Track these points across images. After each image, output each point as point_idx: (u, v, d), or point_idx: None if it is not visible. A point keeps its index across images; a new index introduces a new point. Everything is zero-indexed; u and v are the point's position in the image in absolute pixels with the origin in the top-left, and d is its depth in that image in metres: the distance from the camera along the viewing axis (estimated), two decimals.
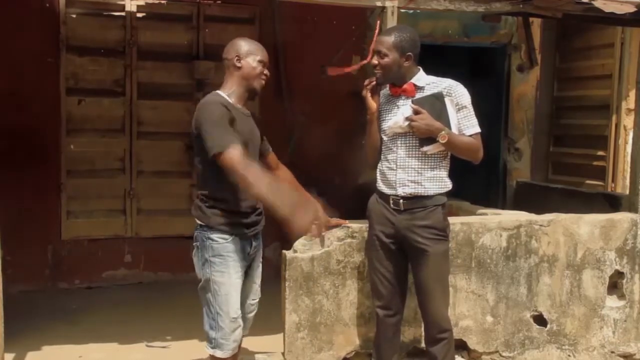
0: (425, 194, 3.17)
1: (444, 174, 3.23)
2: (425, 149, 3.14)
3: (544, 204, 4.99)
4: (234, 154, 2.73)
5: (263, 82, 3.07)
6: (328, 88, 5.89)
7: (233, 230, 2.96)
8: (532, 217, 4.01)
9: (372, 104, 3.26)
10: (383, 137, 3.28)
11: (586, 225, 4.00)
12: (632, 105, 5.39)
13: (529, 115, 6.60)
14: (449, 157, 3.25)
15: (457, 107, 3.17)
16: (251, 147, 3.02)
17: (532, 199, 5.64)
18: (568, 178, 6.23)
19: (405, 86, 3.20)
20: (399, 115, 3.18)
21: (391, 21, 3.68)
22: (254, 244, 3.08)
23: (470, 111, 3.20)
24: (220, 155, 2.76)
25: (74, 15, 5.41)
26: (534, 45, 6.45)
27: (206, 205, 2.97)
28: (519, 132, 6.59)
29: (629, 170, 4.99)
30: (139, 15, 5.56)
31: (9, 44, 5.13)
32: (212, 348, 2.99)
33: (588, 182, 6.03)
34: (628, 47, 5.78)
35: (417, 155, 3.17)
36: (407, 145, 3.18)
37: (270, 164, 3.31)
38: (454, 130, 3.16)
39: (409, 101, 3.18)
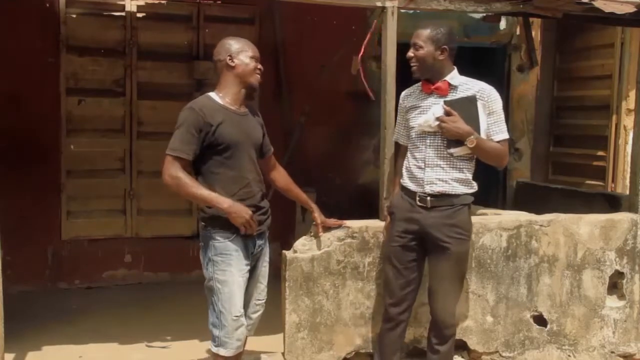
0: (453, 193, 3.19)
1: (469, 175, 3.25)
2: (451, 151, 3.15)
3: (544, 204, 4.99)
4: (170, 165, 2.89)
5: (259, 76, 3.09)
6: (328, 88, 5.90)
7: (235, 229, 2.96)
8: (532, 217, 4.01)
9: None
10: (411, 133, 3.29)
11: (586, 226, 3.99)
12: (632, 106, 5.38)
13: (529, 116, 6.60)
14: (474, 159, 3.26)
15: (488, 111, 3.18)
16: (245, 147, 3.03)
17: (532, 199, 5.64)
18: (568, 178, 6.22)
19: (439, 84, 3.21)
20: (429, 114, 3.18)
21: (391, 21, 3.68)
22: (258, 242, 3.10)
23: (500, 117, 3.21)
24: (166, 156, 2.91)
25: (74, 15, 5.40)
26: (534, 45, 6.45)
27: (208, 205, 2.98)
28: (519, 132, 6.59)
29: (629, 170, 4.98)
30: (139, 15, 5.55)
31: (9, 44, 5.13)
32: (216, 346, 3.01)
33: (588, 182, 6.02)
34: (628, 48, 5.77)
35: (445, 156, 3.19)
36: (436, 145, 3.20)
37: (269, 165, 3.32)
38: (483, 134, 3.16)
39: (441, 100, 3.18)
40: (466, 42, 6.40)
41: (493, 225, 3.86)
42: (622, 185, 5.75)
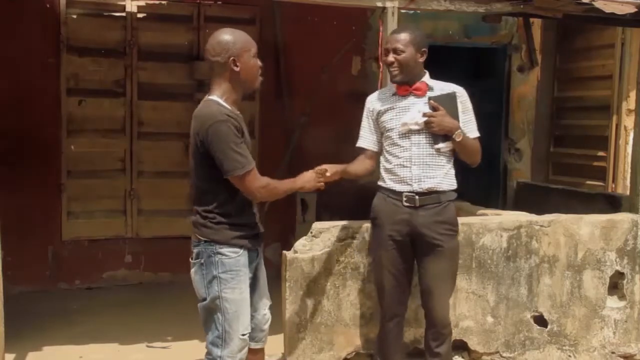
0: (440, 189, 3.21)
1: (452, 171, 3.28)
2: (438, 146, 3.19)
3: (545, 204, 4.99)
4: (253, 180, 2.74)
5: (261, 77, 2.94)
6: (328, 88, 5.90)
7: (244, 244, 2.82)
8: (533, 217, 4.01)
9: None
10: (390, 134, 3.26)
11: (587, 226, 3.99)
12: (632, 106, 5.38)
13: (529, 116, 6.60)
14: (454, 156, 3.29)
15: (463, 109, 3.24)
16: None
17: (533, 199, 5.63)
18: (568, 178, 6.22)
19: (418, 84, 3.23)
20: (414, 112, 3.19)
21: (392, 22, 3.69)
22: (258, 251, 3.00)
23: (473, 116, 3.29)
24: (240, 177, 2.70)
25: (74, 16, 5.41)
26: (534, 45, 6.45)
27: (212, 221, 2.78)
28: (519, 133, 6.59)
29: (629, 170, 4.98)
30: (140, 15, 5.56)
31: (10, 45, 5.13)
32: None
33: (588, 182, 6.02)
34: (628, 48, 5.78)
35: (430, 153, 3.20)
36: (421, 142, 3.20)
37: None
38: None
39: (421, 100, 3.21)
40: (466, 42, 6.41)
41: (493, 225, 3.86)
42: (623, 186, 5.75)
